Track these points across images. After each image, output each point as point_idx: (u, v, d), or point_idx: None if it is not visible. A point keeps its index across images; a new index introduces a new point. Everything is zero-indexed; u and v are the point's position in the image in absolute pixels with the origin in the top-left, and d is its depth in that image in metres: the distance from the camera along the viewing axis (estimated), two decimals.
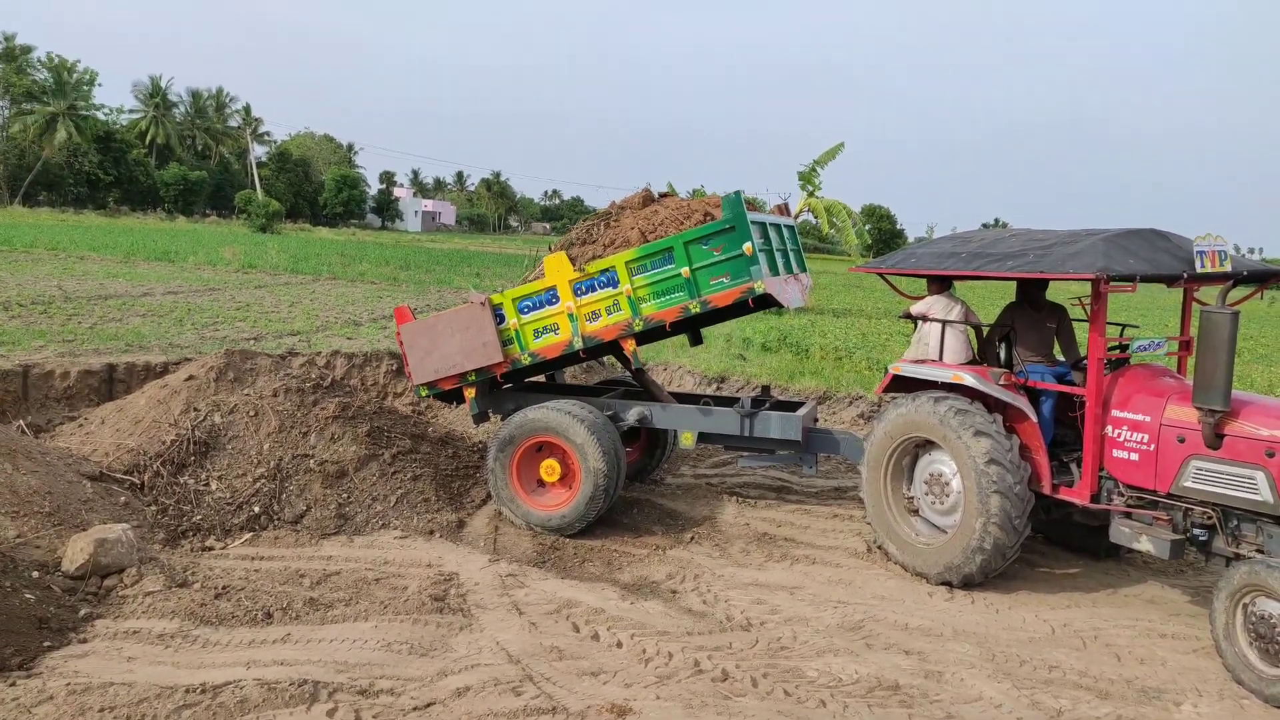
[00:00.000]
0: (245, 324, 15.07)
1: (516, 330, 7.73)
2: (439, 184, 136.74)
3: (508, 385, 8.55)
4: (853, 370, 14.14)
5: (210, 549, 7.14)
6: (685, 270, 7.16)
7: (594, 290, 7.48)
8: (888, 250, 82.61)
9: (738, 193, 7.09)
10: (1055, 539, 7.60)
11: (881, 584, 6.82)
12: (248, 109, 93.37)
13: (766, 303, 7.64)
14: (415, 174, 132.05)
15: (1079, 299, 6.58)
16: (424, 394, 8.08)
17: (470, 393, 7.96)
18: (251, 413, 8.38)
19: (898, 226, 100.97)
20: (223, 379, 8.85)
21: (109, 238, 35.39)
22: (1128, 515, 6.20)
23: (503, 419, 8.05)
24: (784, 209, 8.39)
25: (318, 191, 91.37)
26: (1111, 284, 5.83)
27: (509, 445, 7.71)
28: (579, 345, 7.57)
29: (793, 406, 8.35)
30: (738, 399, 8.17)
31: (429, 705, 4.84)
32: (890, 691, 5.12)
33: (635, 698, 4.92)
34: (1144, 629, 6.14)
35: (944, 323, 6.95)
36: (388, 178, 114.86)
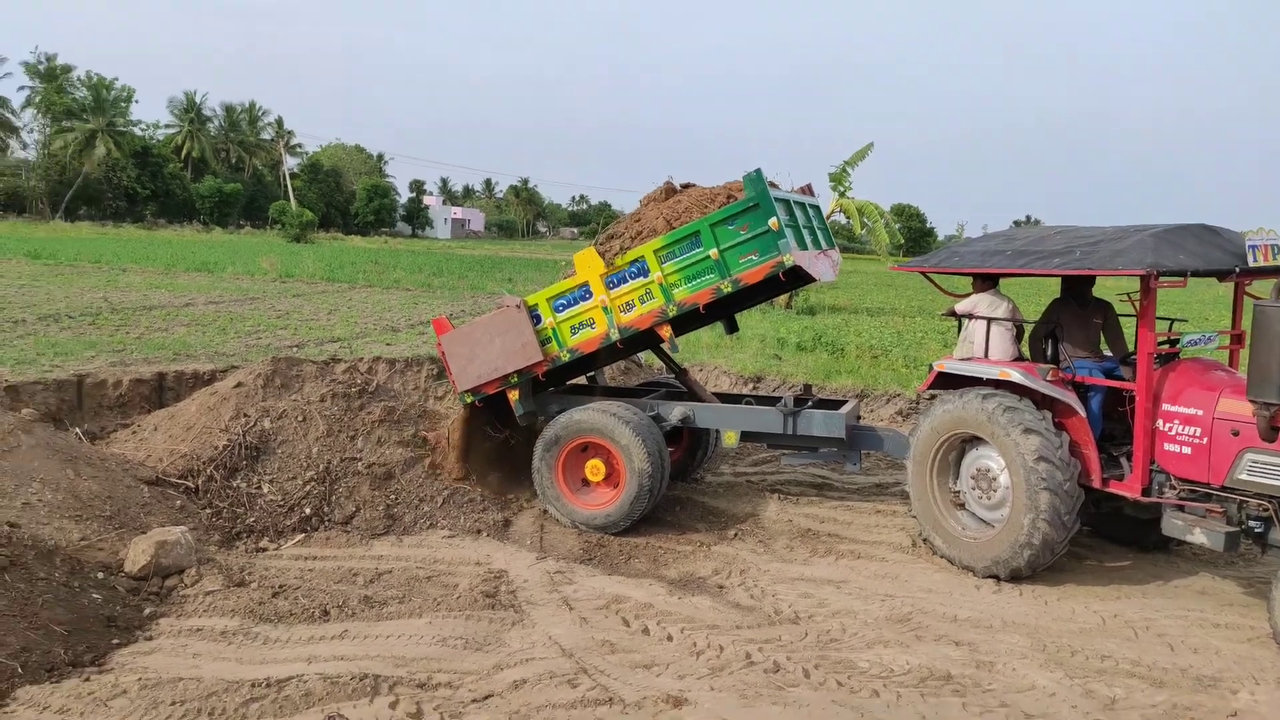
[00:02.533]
0: (286, 332, 15.33)
1: (554, 329, 7.82)
2: (468, 191, 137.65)
3: (550, 388, 8.65)
4: (889, 368, 14.12)
5: (264, 550, 7.30)
6: (714, 252, 7.22)
7: (625, 281, 7.56)
8: (918, 249, 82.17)
9: (758, 170, 7.12)
10: (1102, 532, 7.56)
11: (928, 577, 6.83)
12: (280, 121, 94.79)
13: (798, 278, 7.68)
14: (444, 182, 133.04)
15: (1128, 295, 6.55)
16: (469, 400, 8.19)
17: (514, 395, 8.06)
18: (300, 418, 8.55)
19: (928, 225, 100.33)
20: (270, 385, 9.04)
21: (149, 250, 36.11)
22: (1180, 508, 6.17)
23: (547, 421, 8.14)
24: (808, 189, 8.41)
25: (349, 201, 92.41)
26: (1161, 280, 5.81)
27: (555, 446, 7.81)
28: (616, 336, 7.65)
29: (835, 405, 8.38)
30: (780, 398, 8.21)
31: (487, 697, 4.93)
32: (942, 681, 5.15)
33: (689, 689, 4.98)
34: (1196, 619, 6.11)
35: (989, 320, 6.95)
36: (417, 186, 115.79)
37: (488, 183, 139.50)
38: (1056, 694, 5.03)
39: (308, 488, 7.98)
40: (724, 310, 8.83)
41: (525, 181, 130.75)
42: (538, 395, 8.34)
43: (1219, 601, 6.45)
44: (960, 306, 7.32)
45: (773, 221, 7.02)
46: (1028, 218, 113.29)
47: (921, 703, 4.88)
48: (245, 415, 8.52)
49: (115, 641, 5.47)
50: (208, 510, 7.69)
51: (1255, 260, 5.94)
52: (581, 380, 9.39)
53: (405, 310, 19.90)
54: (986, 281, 7.21)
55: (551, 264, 44.79)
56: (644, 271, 7.49)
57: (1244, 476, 5.82)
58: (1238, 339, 6.79)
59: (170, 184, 75.51)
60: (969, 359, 7.07)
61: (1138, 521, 7.03)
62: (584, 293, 7.74)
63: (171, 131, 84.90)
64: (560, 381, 8.83)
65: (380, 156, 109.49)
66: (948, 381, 7.16)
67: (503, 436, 8.56)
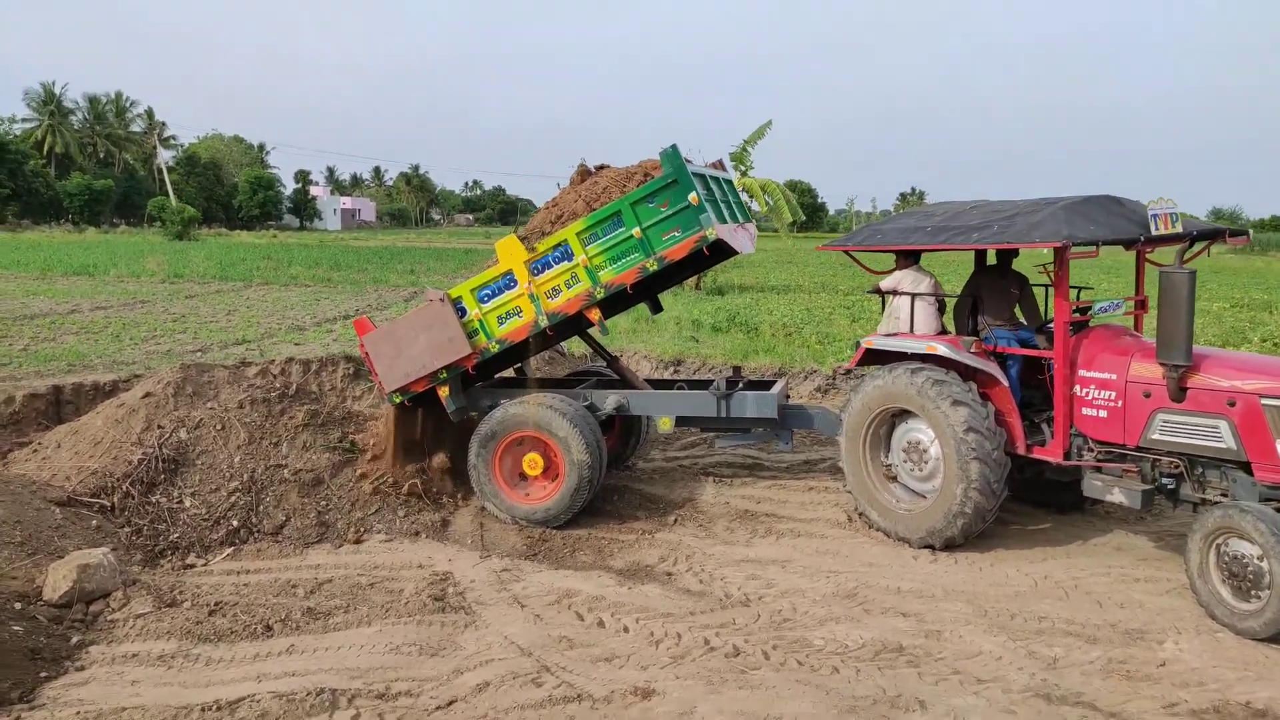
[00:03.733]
0: (186, 336, 14.69)
1: (480, 320, 7.70)
2: (356, 180, 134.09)
3: (480, 383, 8.53)
4: (803, 345, 14.44)
5: (192, 566, 7.02)
6: (637, 231, 7.19)
7: (550, 267, 7.48)
8: (813, 225, 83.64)
9: (674, 146, 7.10)
10: (1022, 495, 7.90)
11: (867, 551, 7.03)
12: (150, 113, 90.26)
13: (720, 252, 7.74)
14: (331, 171, 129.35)
15: (1043, 266, 6.85)
16: (397, 400, 7.99)
17: (444, 391, 7.91)
18: (219, 426, 8.22)
19: (819, 200, 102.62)
20: (181, 394, 8.66)
21: (17, 254, 33.94)
22: (1098, 470, 6.50)
23: (480, 416, 8.02)
24: (719, 165, 8.47)
25: (231, 194, 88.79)
26: (1075, 250, 6.09)
27: (491, 441, 7.71)
28: (545, 323, 7.56)
29: (765, 385, 8.51)
30: (711, 381, 8.29)
31: (451, 703, 4.88)
32: (896, 653, 5.32)
33: (655, 679, 5.01)
34: (1118, 575, 6.46)
35: (913, 296, 7.16)
36: (303, 176, 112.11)
37: (377, 171, 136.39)
38: (1003, 657, 5.26)
39: (233, 499, 7.68)
40: (649, 290, 8.84)
41: (416, 168, 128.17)
42: (468, 390, 8.21)
43: (1135, 557, 6.84)
44: (885, 283, 7.51)
45: (692, 196, 7.03)
46: (913, 189, 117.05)
47: (880, 676, 5.03)
48: (159, 426, 8.14)
49: (43, 674, 5.17)
50: (127, 529, 7.33)
51: (1157, 229, 6.28)
52: (509, 373, 9.29)
53: (308, 307, 19.28)
54: (909, 258, 7.42)
55: (452, 253, 44.09)
56: (568, 255, 7.43)
57: (1156, 436, 6.17)
58: (1141, 304, 7.18)
59: (33, 182, 70.95)
60: (895, 334, 7.27)
61: (1057, 484, 7.38)
62: (508, 281, 7.63)
63: (30, 126, 79.86)
64: (489, 374, 8.72)
65: (262, 147, 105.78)
66: (874, 357, 7.36)
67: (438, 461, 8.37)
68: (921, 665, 5.18)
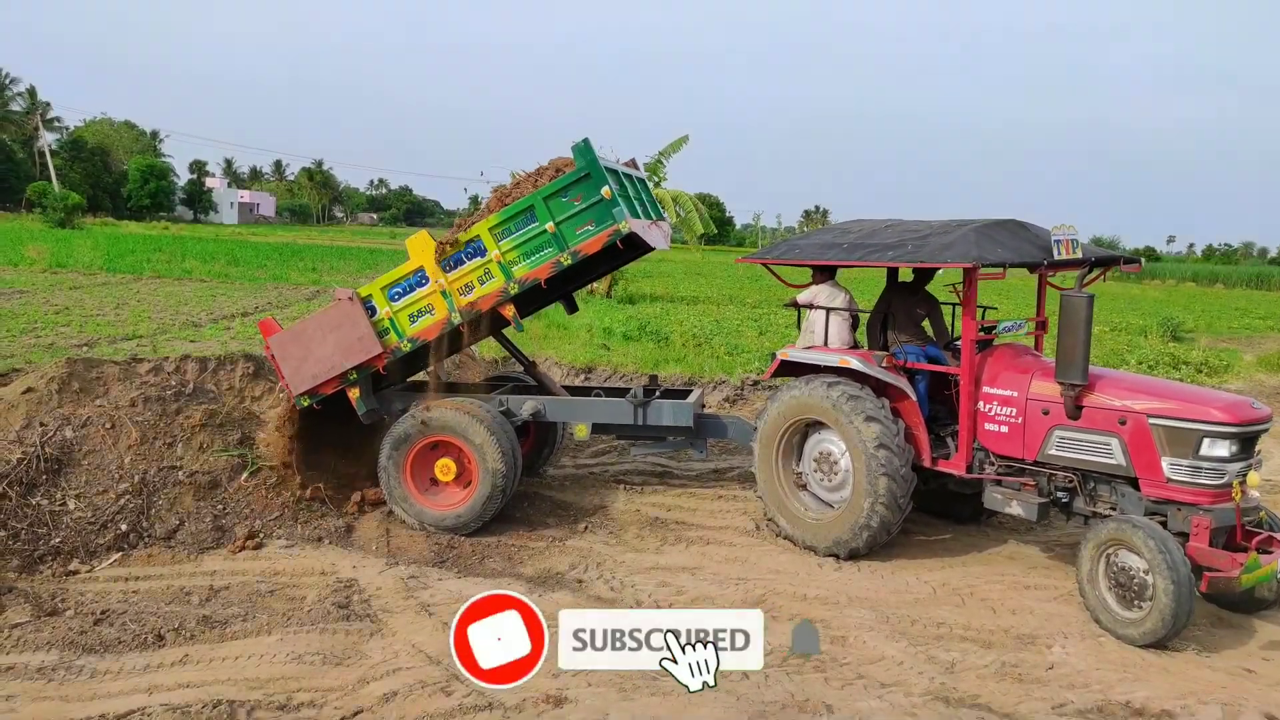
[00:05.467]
0: (70, 329, 13.92)
1: (391, 319, 7.55)
2: (255, 173, 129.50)
3: (391, 385, 8.34)
4: (713, 356, 14.59)
5: (75, 573, 6.64)
6: (550, 225, 7.15)
7: (462, 263, 7.38)
8: (721, 237, 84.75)
9: (586, 140, 7.08)
10: (922, 506, 8.13)
11: (775, 559, 7.14)
12: (33, 91, 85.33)
13: (635, 247, 7.79)
14: (229, 163, 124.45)
15: (953, 285, 7.08)
16: (305, 404, 7.75)
17: (354, 393, 7.71)
18: (108, 425, 7.82)
19: (726, 214, 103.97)
20: (67, 390, 8.23)
21: None
22: (998, 483, 6.77)
23: (393, 419, 7.84)
24: (632, 164, 8.52)
25: (119, 182, 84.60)
26: (983, 271, 6.34)
27: (403, 444, 7.54)
28: (458, 320, 7.45)
29: (682, 394, 8.57)
30: (629, 389, 8.30)
31: (357, 714, 4.76)
32: (803, 659, 5.40)
33: (567, 686, 4.98)
34: (1011, 582, 6.74)
35: (829, 310, 7.33)
36: (199, 167, 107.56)
37: (278, 164, 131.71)
38: (904, 662, 5.42)
39: (122, 501, 7.31)
40: (564, 286, 8.80)
41: (319, 163, 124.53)
42: (380, 392, 8.02)
43: (1025, 565, 7.14)
44: (801, 297, 7.66)
45: (605, 190, 7.02)
46: (816, 208, 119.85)
47: (788, 681, 5.12)
48: (42, 424, 7.70)
49: None
50: (2, 533, 6.86)
51: (1059, 253, 6.58)
52: (423, 377, 9.11)
53: (204, 303, 18.53)
54: (825, 273, 7.59)
55: (356, 252, 43.07)
56: (481, 251, 7.35)
57: (1053, 451, 6.46)
58: (1041, 325, 7.52)
59: None
60: (810, 347, 7.42)
61: (957, 496, 7.64)
62: (420, 278, 7.49)
63: None
64: (401, 377, 8.53)
65: (155, 134, 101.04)
66: (789, 369, 7.50)
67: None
68: (827, 670, 5.29)
